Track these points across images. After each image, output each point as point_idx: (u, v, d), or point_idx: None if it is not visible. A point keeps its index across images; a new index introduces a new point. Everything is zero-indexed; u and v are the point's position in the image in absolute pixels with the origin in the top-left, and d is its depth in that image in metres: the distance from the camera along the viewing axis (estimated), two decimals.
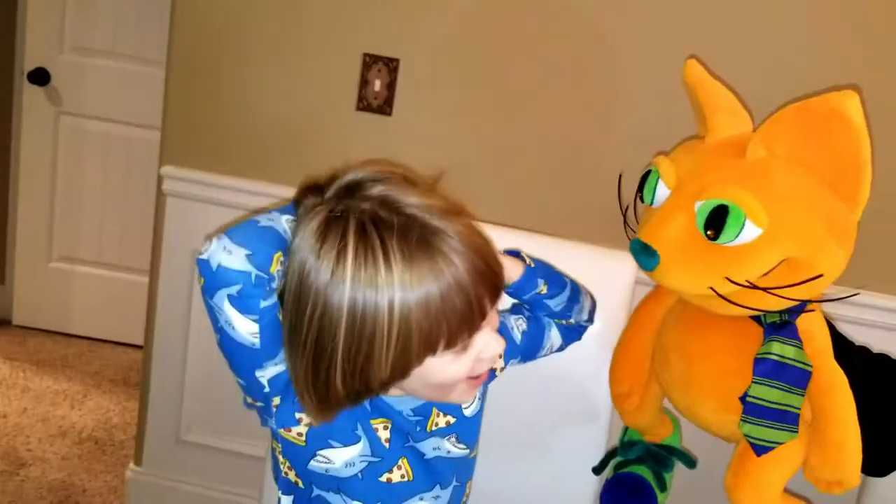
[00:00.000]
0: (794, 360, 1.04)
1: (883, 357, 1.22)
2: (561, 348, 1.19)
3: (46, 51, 2.59)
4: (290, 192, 1.61)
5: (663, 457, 1.32)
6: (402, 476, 0.97)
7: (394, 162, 0.97)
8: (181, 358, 1.85)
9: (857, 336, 1.30)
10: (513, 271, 1.07)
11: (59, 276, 2.79)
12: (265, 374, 0.89)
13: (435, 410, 0.99)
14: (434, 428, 0.99)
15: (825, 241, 1.00)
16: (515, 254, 1.10)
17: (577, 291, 1.17)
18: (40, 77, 2.59)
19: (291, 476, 0.98)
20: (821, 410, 1.06)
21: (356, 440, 0.94)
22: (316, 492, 0.97)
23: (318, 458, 0.94)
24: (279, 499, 1.02)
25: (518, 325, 1.12)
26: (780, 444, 1.05)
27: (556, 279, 1.13)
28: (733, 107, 1.15)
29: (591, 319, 1.22)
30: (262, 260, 0.83)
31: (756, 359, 1.06)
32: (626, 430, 1.37)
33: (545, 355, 1.17)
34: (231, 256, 0.82)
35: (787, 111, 1.00)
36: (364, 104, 1.67)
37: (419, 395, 0.95)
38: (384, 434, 0.95)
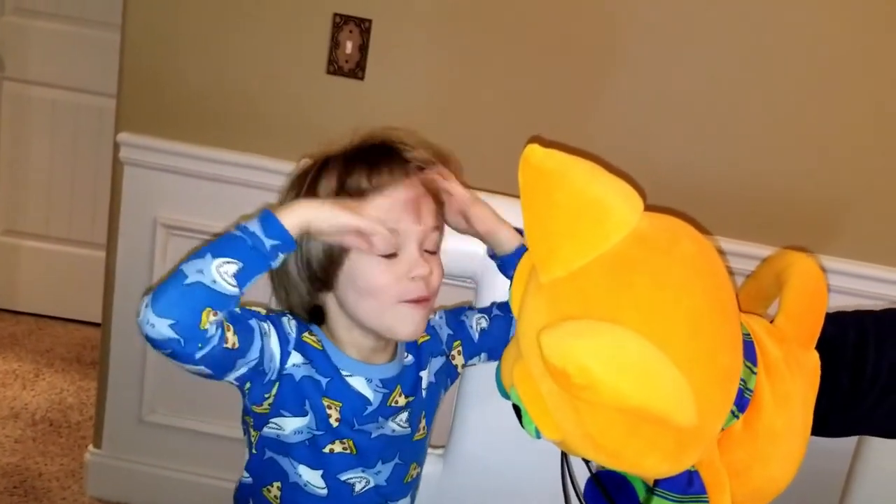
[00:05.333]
0: None
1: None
2: None
3: None
4: (255, 161, 1.56)
5: None
6: (345, 449, 1.04)
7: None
8: (142, 335, 1.76)
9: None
10: (509, 241, 1.12)
11: (4, 250, 2.67)
12: (229, 377, 0.96)
13: (398, 387, 1.06)
14: (392, 404, 1.06)
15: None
16: (520, 232, 1.12)
17: None
18: None
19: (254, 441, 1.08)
20: None
21: (304, 413, 1.01)
22: (268, 454, 1.05)
23: (270, 424, 1.02)
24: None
25: (478, 323, 1.17)
26: None
27: None
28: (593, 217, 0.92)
29: None
30: (186, 326, 0.85)
31: None
32: None
33: None
34: (155, 329, 0.85)
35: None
36: (335, 67, 1.59)
37: (361, 316, 1.01)
38: (334, 414, 1.02)
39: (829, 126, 1.57)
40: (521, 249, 1.11)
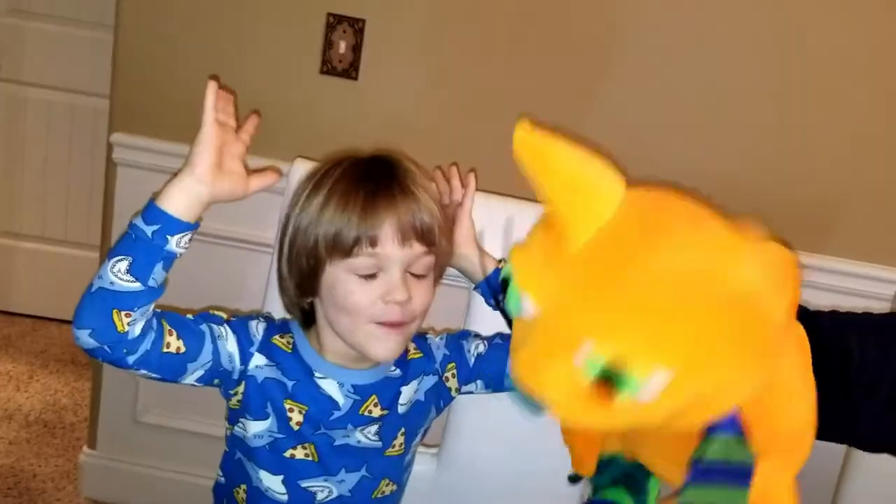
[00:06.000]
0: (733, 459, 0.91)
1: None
2: None
3: None
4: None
5: (639, 479, 1.15)
6: (307, 455, 1.04)
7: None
8: None
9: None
10: (483, 265, 1.17)
11: None
12: (188, 380, 0.99)
13: (374, 397, 1.06)
14: (365, 413, 1.05)
15: (738, 366, 0.81)
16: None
17: None
18: None
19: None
20: None
21: (265, 417, 1.02)
22: (237, 455, 1.07)
23: (238, 423, 1.04)
24: None
25: (476, 348, 1.16)
26: None
27: None
28: (588, 183, 0.85)
29: None
30: (103, 332, 0.88)
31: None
32: None
33: None
34: (80, 340, 0.89)
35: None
36: (328, 67, 1.59)
37: (336, 328, 1.02)
38: (297, 417, 1.02)
39: (825, 125, 1.57)
40: (497, 271, 1.16)
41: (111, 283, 0.89)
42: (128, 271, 0.89)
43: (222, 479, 1.12)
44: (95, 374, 1.82)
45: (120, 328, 0.88)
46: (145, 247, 0.90)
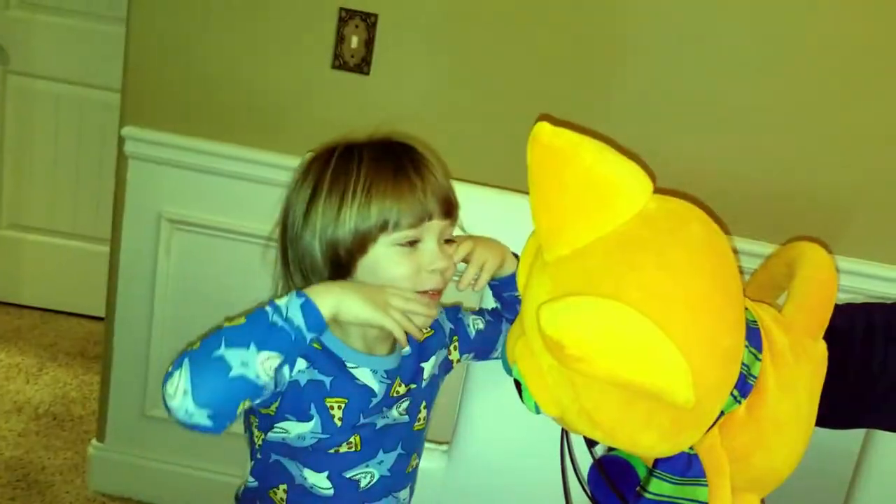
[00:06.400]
0: None
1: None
2: None
3: None
4: (260, 156, 1.55)
5: None
6: (350, 447, 1.04)
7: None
8: (146, 329, 1.76)
9: None
10: (508, 264, 1.17)
11: (8, 244, 2.66)
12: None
13: (398, 379, 1.08)
14: (394, 395, 1.07)
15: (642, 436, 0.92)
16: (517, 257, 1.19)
17: None
18: None
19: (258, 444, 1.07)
20: None
21: (309, 419, 1.00)
22: (274, 458, 1.05)
23: (275, 428, 1.01)
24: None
25: (475, 323, 1.22)
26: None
27: None
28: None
29: None
30: (222, 414, 0.86)
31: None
32: None
33: (497, 357, 1.24)
34: (193, 418, 0.85)
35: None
36: (340, 62, 1.58)
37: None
38: (337, 413, 1.01)
39: (838, 124, 1.56)
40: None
41: (257, 376, 0.87)
42: (275, 369, 0.89)
43: (254, 484, 1.09)
44: (104, 368, 1.82)
45: (238, 412, 0.88)
46: (299, 350, 0.92)
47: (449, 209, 1.05)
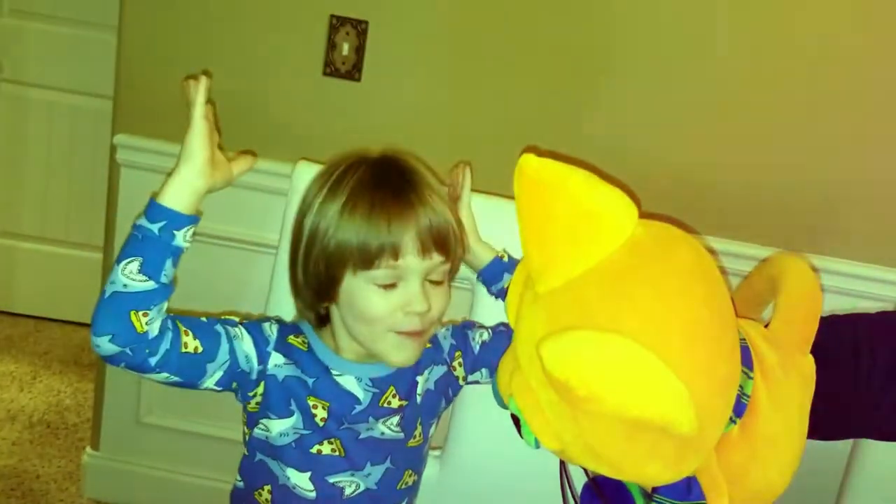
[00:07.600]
0: None
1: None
2: None
3: None
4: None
5: None
6: (333, 450, 1.05)
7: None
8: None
9: None
10: (485, 252, 1.21)
11: (1, 252, 2.65)
12: (208, 383, 0.99)
13: (392, 388, 1.07)
14: (384, 405, 1.06)
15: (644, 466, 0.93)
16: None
17: None
18: None
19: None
20: None
21: (290, 414, 1.03)
22: (259, 457, 1.07)
23: (259, 425, 1.04)
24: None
25: (480, 336, 1.20)
26: None
27: None
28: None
29: None
30: (124, 335, 0.89)
31: None
32: None
33: None
34: (101, 348, 0.90)
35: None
36: (331, 69, 1.59)
37: (355, 336, 1.03)
38: (321, 413, 1.03)
39: (827, 126, 1.57)
40: (497, 259, 1.20)
41: (125, 285, 0.90)
42: (139, 271, 0.90)
43: (241, 484, 1.12)
44: (98, 375, 1.82)
45: (139, 328, 0.89)
46: (153, 244, 0.92)
47: (437, 246, 1.00)
